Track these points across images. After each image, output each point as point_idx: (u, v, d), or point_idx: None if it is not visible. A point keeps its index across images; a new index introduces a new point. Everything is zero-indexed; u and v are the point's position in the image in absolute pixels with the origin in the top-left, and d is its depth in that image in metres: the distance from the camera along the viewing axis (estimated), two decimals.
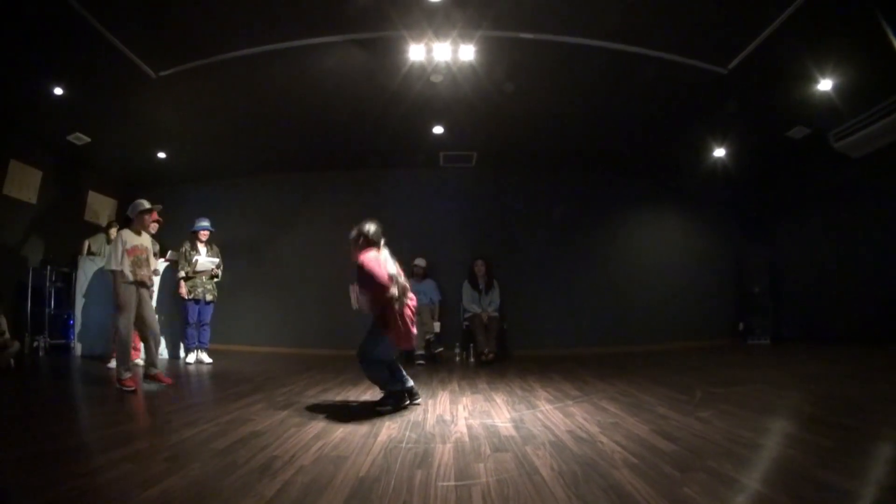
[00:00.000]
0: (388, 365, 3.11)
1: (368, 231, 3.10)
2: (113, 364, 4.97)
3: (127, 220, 4.16)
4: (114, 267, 3.87)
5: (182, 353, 5.91)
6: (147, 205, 4.09)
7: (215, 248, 6.03)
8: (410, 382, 3.19)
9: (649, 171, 7.51)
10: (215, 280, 5.97)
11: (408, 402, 3.15)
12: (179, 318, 5.93)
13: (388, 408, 2.98)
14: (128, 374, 3.76)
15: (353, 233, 3.14)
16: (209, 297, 5.87)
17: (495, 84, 4.92)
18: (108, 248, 6.12)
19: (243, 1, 3.87)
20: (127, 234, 4.00)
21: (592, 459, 1.95)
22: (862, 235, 6.41)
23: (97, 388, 3.98)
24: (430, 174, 7.32)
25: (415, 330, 3.13)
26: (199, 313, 5.81)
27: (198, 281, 5.78)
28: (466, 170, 7.27)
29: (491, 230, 7.24)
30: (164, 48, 4.42)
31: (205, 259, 5.80)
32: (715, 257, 7.84)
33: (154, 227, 5.22)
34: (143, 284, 4.00)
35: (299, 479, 1.74)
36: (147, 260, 4.09)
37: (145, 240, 4.14)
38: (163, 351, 5.98)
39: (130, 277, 3.90)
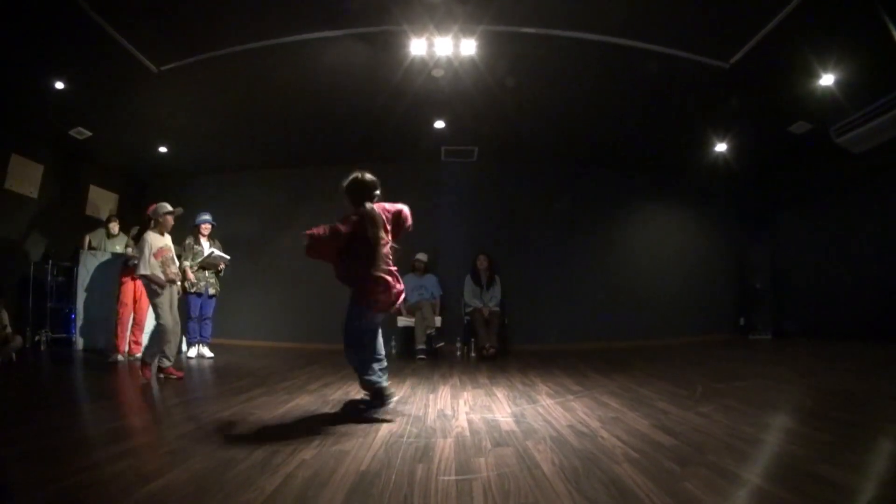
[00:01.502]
0: (368, 347, 2.91)
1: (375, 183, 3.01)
2: (114, 358, 5.12)
3: (140, 224, 4.27)
4: (144, 271, 3.98)
5: (183, 348, 5.91)
6: (169, 207, 4.26)
7: (217, 243, 6.01)
8: (386, 382, 2.82)
9: (651, 166, 7.50)
10: (219, 274, 5.97)
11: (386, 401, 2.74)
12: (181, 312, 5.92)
13: (371, 410, 2.70)
14: (150, 361, 3.91)
15: (347, 182, 3.04)
16: (212, 291, 5.85)
17: (497, 79, 4.91)
18: (107, 242, 6.15)
19: None
20: (152, 237, 4.13)
21: (593, 454, 1.95)
22: (863, 231, 6.39)
23: (99, 383, 4.00)
24: (431, 169, 7.31)
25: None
26: (202, 307, 5.78)
27: (200, 274, 5.77)
28: (468, 165, 7.26)
29: (492, 225, 7.24)
30: (165, 43, 4.42)
31: (219, 252, 5.80)
32: (716, 252, 7.83)
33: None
34: (172, 282, 4.20)
35: (300, 473, 1.74)
36: (172, 259, 4.28)
37: (168, 240, 4.30)
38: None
39: (164, 278, 4.06)
